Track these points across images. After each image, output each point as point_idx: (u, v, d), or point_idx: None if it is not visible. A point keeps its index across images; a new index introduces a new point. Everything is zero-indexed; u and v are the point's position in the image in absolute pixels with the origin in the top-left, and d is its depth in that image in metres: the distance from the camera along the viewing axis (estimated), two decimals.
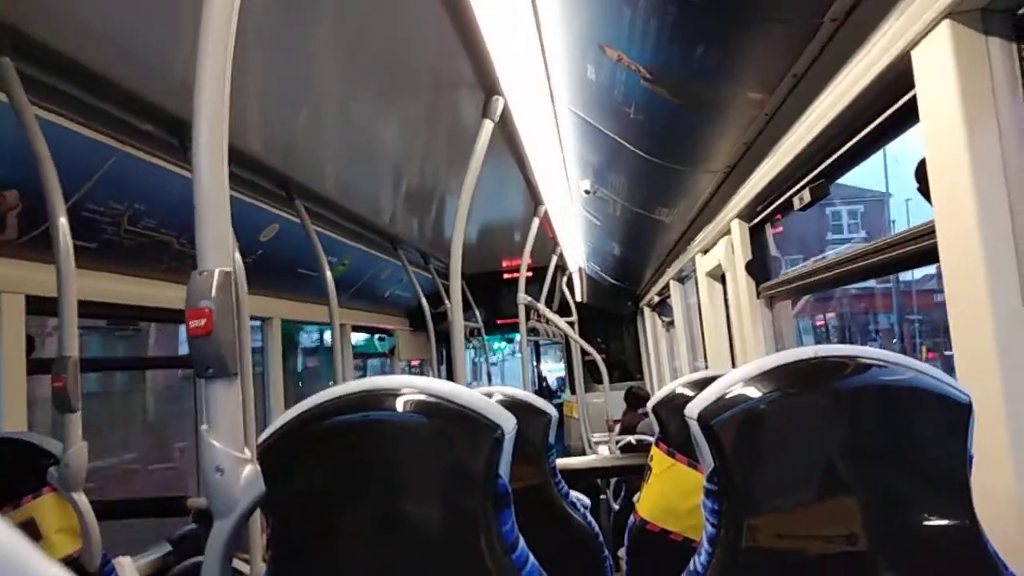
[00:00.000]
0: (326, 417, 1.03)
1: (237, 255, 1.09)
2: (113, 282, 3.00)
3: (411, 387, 1.03)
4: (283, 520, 1.04)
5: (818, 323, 20.72)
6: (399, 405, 1.01)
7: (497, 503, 1.01)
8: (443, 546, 0.99)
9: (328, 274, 3.56)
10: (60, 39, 1.90)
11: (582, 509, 2.00)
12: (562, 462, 2.09)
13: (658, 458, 1.84)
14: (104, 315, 3.19)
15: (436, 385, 1.03)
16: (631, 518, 1.90)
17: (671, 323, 6.09)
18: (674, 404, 1.81)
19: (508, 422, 1.02)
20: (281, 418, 1.04)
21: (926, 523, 0.95)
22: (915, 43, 1.25)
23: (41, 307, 2.58)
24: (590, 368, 6.90)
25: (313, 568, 1.02)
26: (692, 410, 1.03)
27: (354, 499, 1.01)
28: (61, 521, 1.84)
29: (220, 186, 1.07)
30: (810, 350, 1.01)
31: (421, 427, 1.02)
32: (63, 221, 1.95)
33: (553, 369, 12.44)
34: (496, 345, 9.50)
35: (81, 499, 1.83)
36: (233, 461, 1.00)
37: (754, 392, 1.00)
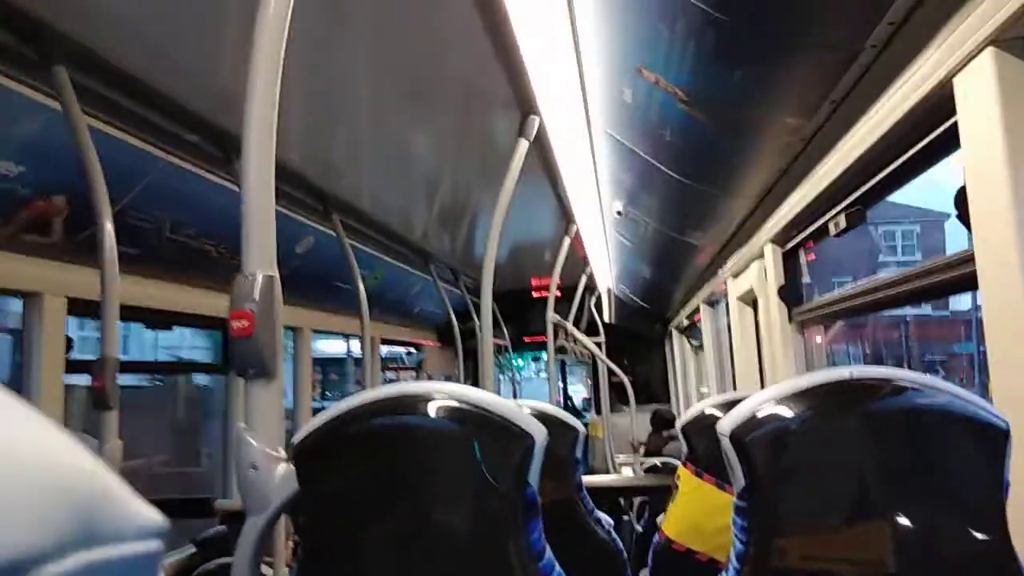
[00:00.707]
0: (360, 420, 1.04)
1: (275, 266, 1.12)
2: (153, 287, 3.07)
3: (444, 393, 1.04)
4: (312, 521, 1.06)
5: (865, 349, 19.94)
6: (432, 410, 1.02)
7: (526, 512, 1.01)
8: (471, 552, 1.00)
9: (360, 287, 3.60)
10: (112, 50, 1.97)
11: (607, 527, 1.99)
12: (588, 479, 2.08)
13: (685, 477, 1.83)
14: (143, 319, 3.26)
15: (469, 392, 1.05)
16: (656, 537, 1.89)
17: (700, 347, 6.04)
18: (703, 424, 1.80)
19: (539, 432, 1.03)
20: (316, 419, 1.06)
21: (958, 550, 0.94)
22: (957, 70, 1.25)
23: (82, 309, 2.65)
24: (616, 389, 6.87)
25: (340, 570, 1.03)
26: (724, 427, 1.03)
27: (384, 502, 1.02)
28: None
29: (267, 193, 1.11)
30: (845, 371, 1.01)
31: (453, 433, 1.03)
32: (109, 227, 2.00)
33: (577, 391, 12.39)
34: (517, 362, 9.46)
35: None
36: (268, 459, 1.03)
37: (787, 411, 1.00)
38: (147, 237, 2.75)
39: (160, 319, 3.34)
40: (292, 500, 1.05)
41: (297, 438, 1.05)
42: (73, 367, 2.70)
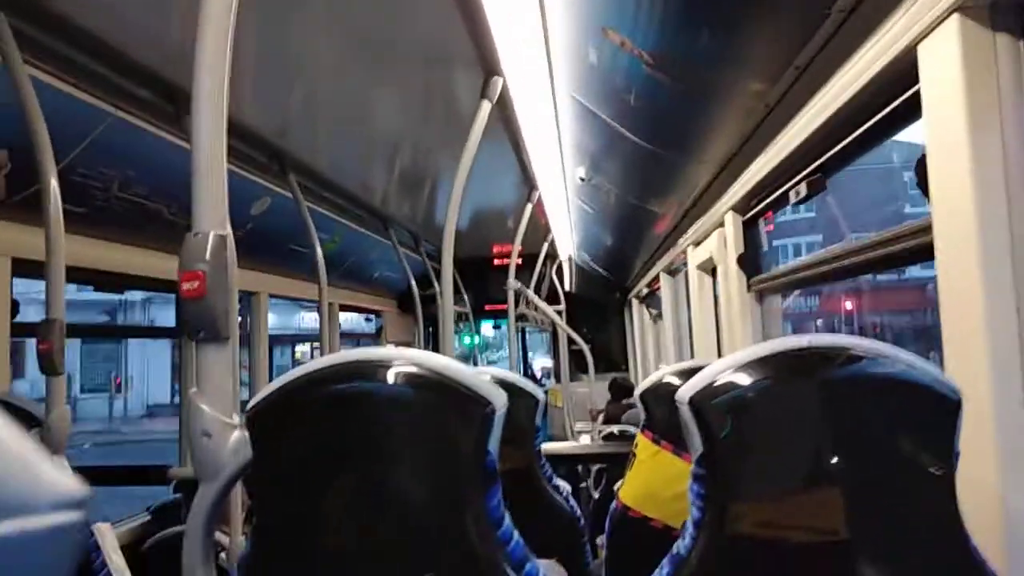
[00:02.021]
0: (317, 385, 1.02)
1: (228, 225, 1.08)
2: (101, 248, 2.98)
3: (403, 359, 1.02)
4: (267, 488, 1.03)
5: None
6: (391, 376, 1.00)
7: (485, 480, 1.00)
8: (429, 520, 0.99)
9: (319, 251, 3.54)
10: None
11: (564, 493, 2.00)
12: (547, 447, 2.09)
13: (643, 445, 1.85)
14: (91, 281, 3.16)
15: (429, 358, 1.02)
16: (613, 504, 1.91)
17: (659, 315, 6.10)
18: (661, 392, 1.81)
19: (499, 399, 1.01)
20: (271, 385, 1.03)
21: (909, 517, 0.95)
22: (922, 36, 1.24)
23: (27, 270, 2.56)
24: (576, 357, 6.92)
25: (296, 538, 1.01)
26: (683, 394, 1.03)
27: (341, 469, 1.00)
28: None
29: (218, 148, 1.06)
30: (803, 339, 1.01)
31: (412, 399, 1.01)
32: (54, 184, 1.92)
33: (537, 359, 12.49)
34: (476, 338, 9.41)
35: (62, 463, 1.81)
36: (221, 426, 1.00)
37: (745, 379, 1.00)
38: (95, 195, 2.64)
39: (109, 281, 3.23)
40: (246, 467, 1.03)
41: (252, 404, 1.02)
42: (18, 330, 2.61)
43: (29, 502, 0.23)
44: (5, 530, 0.22)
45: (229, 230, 1.06)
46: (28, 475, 0.23)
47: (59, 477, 0.24)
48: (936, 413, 0.97)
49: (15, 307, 2.64)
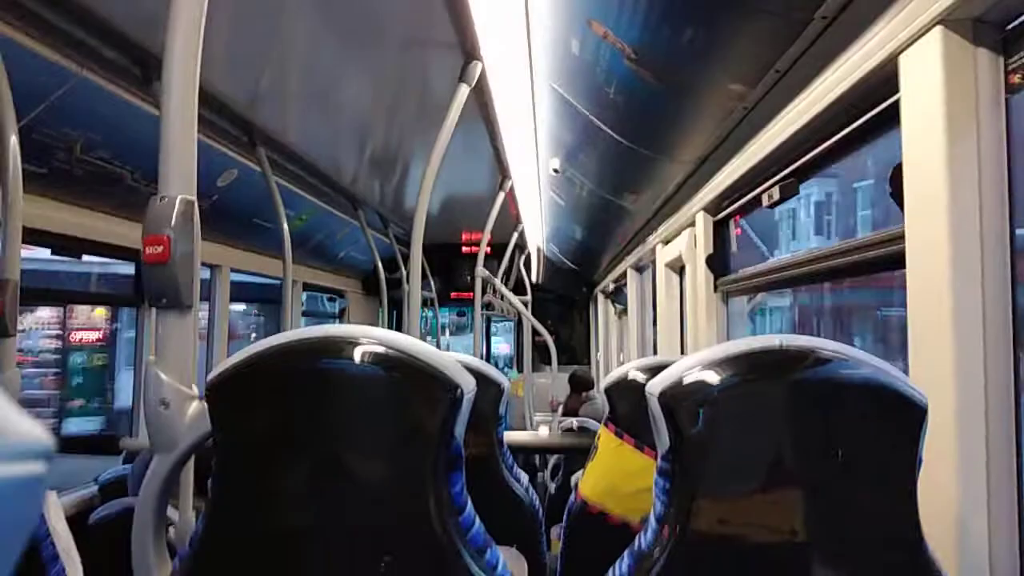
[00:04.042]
0: (280, 360, 0.99)
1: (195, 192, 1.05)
2: (60, 211, 2.89)
3: (370, 338, 0.99)
4: (224, 464, 1.01)
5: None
6: (357, 355, 0.98)
7: (449, 464, 0.99)
8: (391, 502, 0.97)
9: (285, 227, 3.48)
10: None
11: (524, 483, 2.00)
12: (508, 436, 2.09)
13: (606, 438, 1.85)
14: (48, 244, 3.07)
15: (397, 338, 1.00)
16: (572, 497, 1.91)
17: (624, 311, 6.14)
18: (626, 386, 1.81)
19: (468, 383, 1.00)
20: (232, 358, 1.00)
21: (868, 522, 0.96)
22: (904, 47, 1.25)
23: None
24: (539, 349, 6.93)
25: (252, 516, 0.99)
26: (654, 388, 1.03)
27: (302, 448, 0.98)
28: None
29: (188, 114, 1.04)
30: (775, 339, 1.01)
31: (378, 379, 0.99)
32: (14, 140, 1.87)
33: (500, 349, 12.50)
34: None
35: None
36: (180, 396, 0.97)
37: (715, 376, 1.00)
38: (56, 156, 2.56)
39: (68, 245, 3.14)
40: (204, 440, 1.00)
41: (212, 376, 0.99)
42: None
43: None
44: None
45: (195, 196, 1.03)
46: None
47: (24, 425, 0.23)
48: (902, 419, 0.98)
49: None
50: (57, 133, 2.48)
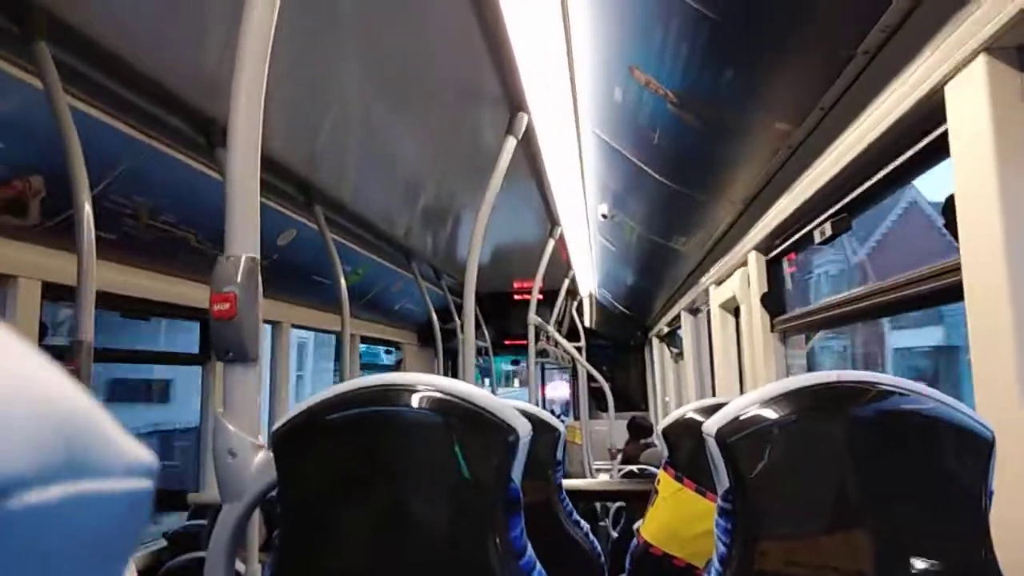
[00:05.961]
0: (342, 408, 1.02)
1: (258, 250, 1.10)
2: (130, 275, 3.02)
3: (428, 384, 1.02)
4: (290, 512, 1.03)
5: None
6: (415, 401, 1.00)
7: (508, 508, 0.99)
8: (452, 547, 0.98)
9: (342, 282, 3.57)
10: (97, 28, 1.93)
11: (585, 530, 1.98)
12: (566, 483, 2.07)
13: (665, 482, 1.82)
14: (119, 307, 3.20)
15: (453, 384, 1.03)
16: (634, 541, 1.88)
17: (680, 354, 6.06)
18: (684, 428, 1.79)
19: (524, 427, 1.01)
20: (296, 407, 1.03)
21: (941, 559, 0.93)
22: (949, 77, 1.25)
23: (56, 294, 2.60)
24: (595, 395, 6.87)
25: (317, 563, 1.01)
26: (710, 427, 1.02)
27: (364, 494, 1.00)
28: None
29: (252, 177, 1.09)
30: (833, 374, 1.00)
31: (436, 425, 1.01)
32: (88, 210, 1.97)
33: (556, 396, 12.43)
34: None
35: None
36: (247, 446, 1.00)
37: (772, 413, 0.99)
38: (125, 222, 2.70)
39: (137, 307, 3.28)
40: (270, 489, 1.03)
41: (277, 426, 1.02)
42: (47, 352, 2.64)
43: (107, 465, 0.24)
44: (85, 488, 0.23)
45: (259, 254, 1.08)
46: (106, 440, 0.24)
47: (131, 443, 0.25)
48: (969, 452, 0.95)
49: (43, 330, 2.68)
50: (127, 200, 2.62)
